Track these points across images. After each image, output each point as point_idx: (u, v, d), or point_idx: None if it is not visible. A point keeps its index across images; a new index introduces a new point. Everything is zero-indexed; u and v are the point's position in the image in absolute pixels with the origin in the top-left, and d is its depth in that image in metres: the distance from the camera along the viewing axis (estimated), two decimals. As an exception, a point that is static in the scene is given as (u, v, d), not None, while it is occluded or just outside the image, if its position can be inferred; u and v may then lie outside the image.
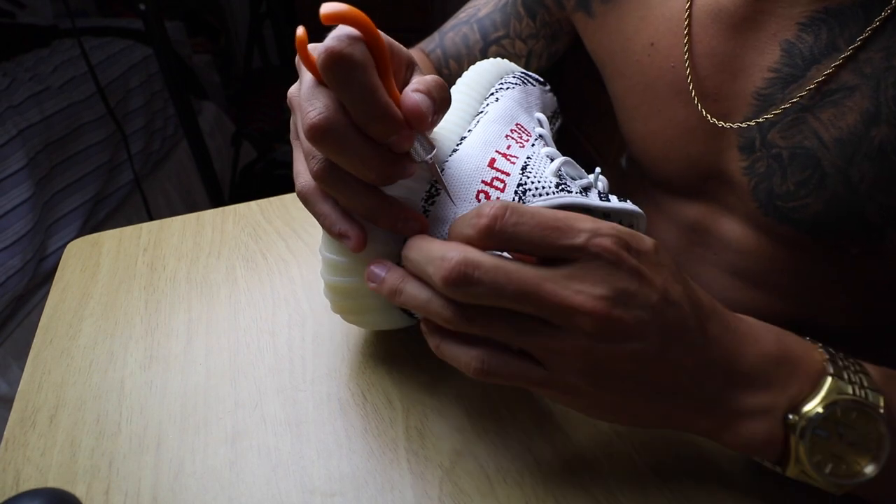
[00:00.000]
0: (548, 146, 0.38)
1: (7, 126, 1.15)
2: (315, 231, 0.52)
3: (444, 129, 0.35)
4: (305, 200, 0.32)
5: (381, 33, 0.30)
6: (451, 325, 0.28)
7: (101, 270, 0.49)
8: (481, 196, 0.32)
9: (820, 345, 0.31)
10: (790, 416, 0.28)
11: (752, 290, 0.44)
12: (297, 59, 0.31)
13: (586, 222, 0.26)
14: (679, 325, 0.27)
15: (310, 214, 0.55)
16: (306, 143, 0.29)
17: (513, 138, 0.36)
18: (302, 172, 0.32)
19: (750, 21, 0.38)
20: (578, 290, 0.25)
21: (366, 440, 0.35)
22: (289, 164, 2.14)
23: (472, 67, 0.41)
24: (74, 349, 0.42)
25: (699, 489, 0.32)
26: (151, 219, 0.73)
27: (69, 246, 0.52)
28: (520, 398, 0.37)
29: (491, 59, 0.42)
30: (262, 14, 1.72)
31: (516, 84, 0.41)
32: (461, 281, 0.26)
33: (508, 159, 0.34)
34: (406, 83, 0.31)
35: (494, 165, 0.33)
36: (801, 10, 0.36)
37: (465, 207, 0.32)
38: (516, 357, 0.28)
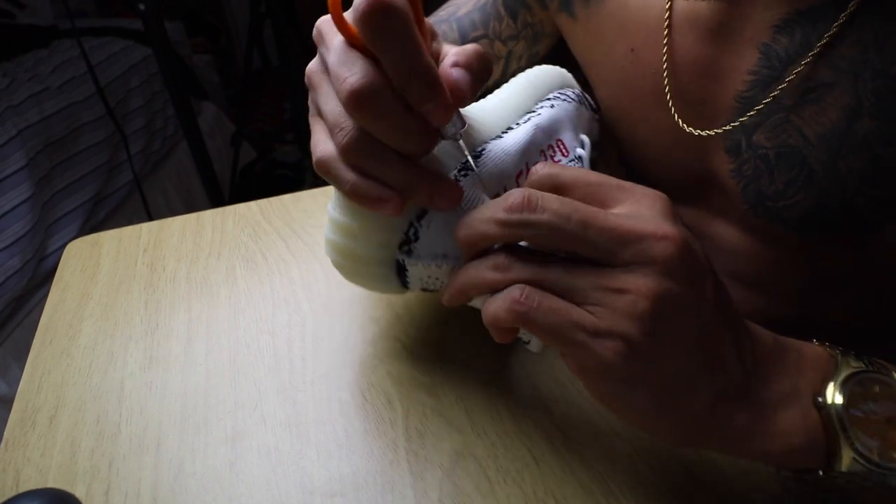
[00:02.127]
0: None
1: (7, 126, 1.15)
2: (315, 232, 0.52)
3: (495, 114, 0.35)
4: (327, 168, 0.30)
5: None
6: (501, 269, 0.27)
7: (101, 271, 0.49)
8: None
9: (813, 340, 0.31)
10: (819, 399, 0.27)
11: (748, 292, 0.44)
12: (318, 31, 0.30)
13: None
14: (723, 295, 0.28)
15: (309, 215, 0.55)
16: (331, 117, 0.28)
17: (546, 155, 0.37)
18: (322, 141, 0.30)
19: (727, 27, 0.38)
20: (647, 220, 0.25)
21: (366, 441, 0.35)
22: (289, 165, 2.15)
23: (539, 67, 0.41)
24: (74, 349, 0.42)
25: (699, 489, 0.32)
26: (151, 219, 0.73)
27: (69, 246, 0.52)
28: (520, 398, 0.37)
29: (558, 68, 0.42)
30: (262, 14, 1.71)
31: (574, 100, 0.41)
32: (526, 206, 0.25)
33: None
34: (430, 53, 0.29)
35: (518, 180, 0.34)
36: (774, 13, 0.36)
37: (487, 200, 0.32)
38: (561, 298, 0.26)
